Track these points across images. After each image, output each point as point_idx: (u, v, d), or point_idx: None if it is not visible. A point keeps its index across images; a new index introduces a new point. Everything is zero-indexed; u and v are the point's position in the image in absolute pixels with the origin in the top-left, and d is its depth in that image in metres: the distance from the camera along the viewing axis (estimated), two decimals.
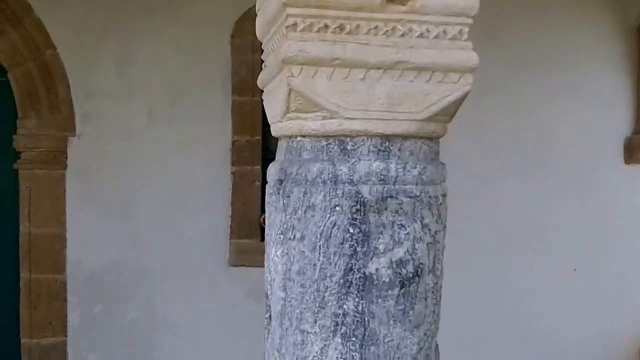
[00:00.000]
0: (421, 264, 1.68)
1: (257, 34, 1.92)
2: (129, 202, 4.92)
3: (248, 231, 4.94)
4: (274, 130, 1.81)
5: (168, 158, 4.93)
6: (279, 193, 1.72)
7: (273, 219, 1.75)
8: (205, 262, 4.96)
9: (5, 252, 4.91)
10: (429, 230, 1.70)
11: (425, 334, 1.68)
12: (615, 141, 5.47)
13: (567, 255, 5.32)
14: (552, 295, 5.26)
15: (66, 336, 4.86)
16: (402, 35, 1.68)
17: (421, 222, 1.69)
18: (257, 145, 5.01)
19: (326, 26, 1.63)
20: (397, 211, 1.65)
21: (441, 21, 1.70)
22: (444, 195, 1.77)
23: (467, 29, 1.73)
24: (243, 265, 4.83)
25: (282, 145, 1.79)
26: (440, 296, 1.77)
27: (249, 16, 4.63)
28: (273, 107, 1.81)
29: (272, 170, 1.77)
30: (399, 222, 1.65)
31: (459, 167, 4.77)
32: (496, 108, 5.17)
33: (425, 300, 1.69)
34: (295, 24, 1.61)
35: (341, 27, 1.64)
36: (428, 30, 1.69)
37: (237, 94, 5.00)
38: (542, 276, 5.26)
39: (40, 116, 4.83)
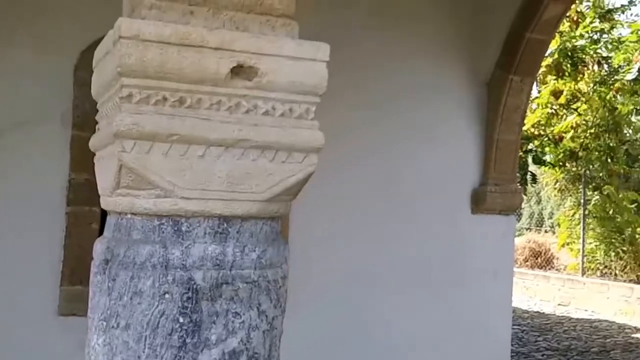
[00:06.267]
0: (256, 353, 1.58)
1: (92, 93, 1.77)
2: None
3: (83, 277, 4.50)
4: (103, 204, 1.66)
5: None
6: (104, 273, 1.57)
7: (97, 302, 1.58)
8: (31, 311, 4.36)
9: None
10: (266, 317, 1.61)
11: None
12: (464, 189, 5.64)
13: (420, 291, 5.37)
14: (404, 327, 5.29)
15: None
16: (247, 111, 1.60)
17: (258, 308, 1.60)
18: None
19: (165, 98, 1.52)
20: (232, 298, 1.56)
21: (288, 99, 1.64)
22: (284, 278, 1.69)
23: (314, 108, 1.68)
24: (74, 315, 4.38)
25: (110, 221, 1.64)
26: None
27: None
28: (103, 177, 1.66)
29: (99, 248, 1.61)
30: (233, 310, 1.55)
31: (318, 199, 4.79)
32: (354, 146, 5.13)
33: None
34: (130, 95, 1.48)
35: (181, 101, 1.53)
36: (274, 108, 1.62)
37: (78, 129, 4.61)
38: (395, 309, 5.26)
39: None
